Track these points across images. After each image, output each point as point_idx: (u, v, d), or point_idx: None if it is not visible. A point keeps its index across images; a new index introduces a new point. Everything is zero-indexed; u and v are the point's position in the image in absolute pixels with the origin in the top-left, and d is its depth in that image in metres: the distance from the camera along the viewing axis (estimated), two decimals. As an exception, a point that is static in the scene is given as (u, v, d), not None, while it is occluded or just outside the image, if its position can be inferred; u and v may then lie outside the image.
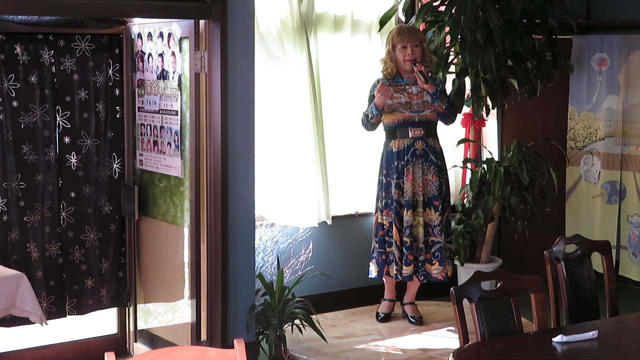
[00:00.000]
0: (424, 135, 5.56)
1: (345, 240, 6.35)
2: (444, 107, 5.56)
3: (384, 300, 5.84)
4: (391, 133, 5.61)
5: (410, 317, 5.77)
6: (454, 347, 4.58)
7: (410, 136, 5.55)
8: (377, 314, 5.82)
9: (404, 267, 5.57)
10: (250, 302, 5.02)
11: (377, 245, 5.68)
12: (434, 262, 5.60)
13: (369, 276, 5.76)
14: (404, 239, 5.55)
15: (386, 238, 5.63)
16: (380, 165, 5.68)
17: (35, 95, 5.00)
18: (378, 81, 5.61)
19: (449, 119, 5.68)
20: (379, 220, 5.66)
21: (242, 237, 4.94)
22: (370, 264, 5.72)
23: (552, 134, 6.62)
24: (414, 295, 5.81)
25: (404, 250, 5.55)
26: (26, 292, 4.45)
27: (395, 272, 5.62)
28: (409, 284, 5.77)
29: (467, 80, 6.00)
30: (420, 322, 5.74)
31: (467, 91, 6.08)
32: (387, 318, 5.79)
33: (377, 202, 5.69)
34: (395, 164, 5.56)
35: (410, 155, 5.54)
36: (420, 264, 5.60)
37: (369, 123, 5.62)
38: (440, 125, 5.74)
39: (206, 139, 4.81)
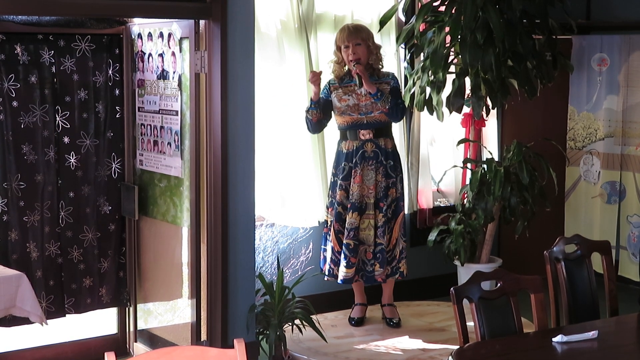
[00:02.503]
0: (374, 136, 5.55)
1: (345, 240, 6.35)
2: (387, 107, 5.52)
3: (356, 305, 5.82)
4: (342, 134, 5.65)
5: (388, 319, 5.74)
6: (454, 347, 4.58)
7: (359, 138, 5.55)
8: (351, 318, 5.79)
9: (346, 270, 5.55)
10: (250, 302, 5.02)
11: (322, 241, 5.74)
12: (375, 264, 5.59)
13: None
14: (347, 241, 5.53)
15: (327, 236, 5.66)
16: (332, 165, 5.70)
17: (35, 95, 5.00)
18: (330, 83, 5.64)
19: (394, 117, 5.64)
20: (325, 218, 5.72)
21: (242, 237, 4.94)
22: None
23: (552, 134, 6.61)
24: (390, 296, 5.78)
25: (347, 252, 5.54)
26: (26, 292, 4.46)
27: (326, 271, 5.63)
28: (383, 285, 5.75)
29: (467, 80, 6.00)
30: (398, 324, 5.71)
31: (467, 91, 6.07)
32: (360, 322, 5.76)
33: (327, 199, 5.74)
34: (343, 165, 5.57)
35: (359, 158, 5.54)
36: (363, 266, 5.60)
37: (308, 120, 5.60)
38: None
39: (206, 139, 4.82)
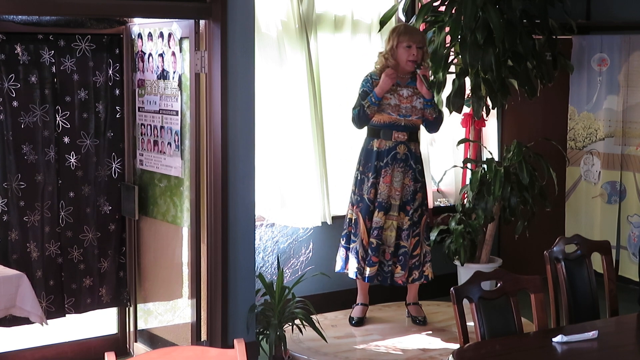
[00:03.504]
0: (407, 139, 5.54)
1: (345, 240, 6.35)
2: (434, 115, 5.53)
3: (357, 304, 5.80)
4: (374, 132, 5.56)
5: (414, 317, 5.76)
6: (454, 347, 4.59)
7: (393, 139, 5.51)
8: (351, 318, 5.78)
9: (368, 268, 5.54)
10: (250, 302, 5.02)
11: (342, 241, 5.68)
12: (397, 266, 5.57)
13: (335, 270, 5.74)
14: (371, 239, 5.52)
15: (351, 234, 5.62)
16: (357, 162, 5.65)
17: (35, 95, 5.00)
18: (371, 76, 5.56)
19: (434, 128, 5.65)
20: (349, 216, 5.66)
21: (242, 237, 4.94)
22: (337, 257, 5.72)
23: (552, 134, 6.62)
24: (416, 295, 5.80)
25: (369, 251, 5.53)
26: (26, 292, 4.46)
27: (355, 270, 5.60)
28: (409, 286, 5.75)
29: (467, 80, 6.00)
30: (424, 322, 5.73)
31: (467, 91, 6.08)
32: (360, 322, 5.75)
33: (350, 196, 5.68)
34: (375, 163, 5.52)
35: (390, 158, 5.51)
36: (386, 267, 5.58)
37: (365, 115, 5.44)
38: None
39: (206, 139, 4.82)
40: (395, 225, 5.53)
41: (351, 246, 5.62)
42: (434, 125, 5.60)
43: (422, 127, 5.67)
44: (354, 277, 5.64)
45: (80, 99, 5.16)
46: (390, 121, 5.51)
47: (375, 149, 5.53)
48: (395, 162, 5.50)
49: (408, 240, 5.54)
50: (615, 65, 6.60)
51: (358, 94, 5.57)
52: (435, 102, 5.59)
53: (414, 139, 5.58)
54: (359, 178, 5.60)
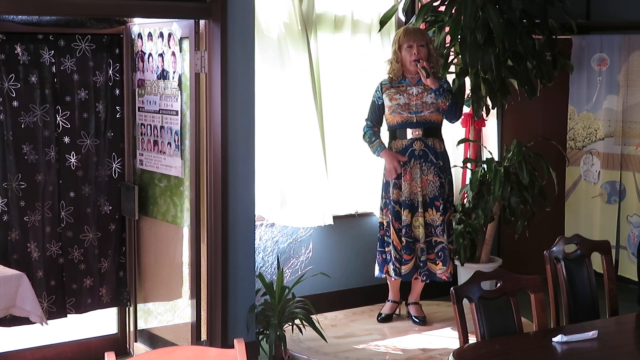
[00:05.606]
0: (423, 136, 5.57)
1: (345, 240, 6.36)
2: (447, 103, 5.56)
3: (388, 301, 5.85)
4: (391, 134, 5.66)
5: (414, 317, 5.77)
6: (454, 347, 4.58)
7: (408, 137, 5.57)
8: (379, 314, 5.83)
9: (402, 267, 5.58)
10: (250, 302, 5.02)
11: (377, 244, 5.71)
12: (437, 262, 5.61)
13: (374, 275, 5.79)
14: (402, 238, 5.56)
15: (385, 237, 5.65)
16: (383, 166, 5.69)
17: (35, 95, 5.00)
18: (382, 84, 5.65)
19: (452, 117, 5.68)
20: (380, 220, 5.69)
21: (242, 237, 4.94)
22: (375, 262, 5.76)
23: (552, 134, 6.62)
24: (418, 295, 5.82)
25: (402, 250, 5.56)
26: (26, 292, 4.46)
27: (392, 271, 5.63)
28: (413, 284, 5.77)
29: (467, 80, 6.00)
30: (423, 322, 5.75)
31: (467, 91, 6.08)
32: (387, 319, 5.79)
33: (380, 201, 5.71)
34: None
35: (408, 156, 5.56)
36: (422, 264, 5.60)
37: (368, 145, 5.72)
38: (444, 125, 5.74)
39: (206, 139, 4.82)
40: (423, 222, 5.56)
41: (387, 249, 5.65)
42: (450, 113, 5.63)
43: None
44: (392, 279, 5.68)
45: (80, 99, 5.16)
46: (402, 120, 5.57)
47: (394, 149, 5.61)
48: (413, 159, 5.55)
49: (443, 235, 5.58)
50: (615, 65, 6.60)
51: (370, 104, 5.72)
52: (443, 91, 5.56)
53: (432, 134, 5.62)
54: (384, 181, 5.67)
